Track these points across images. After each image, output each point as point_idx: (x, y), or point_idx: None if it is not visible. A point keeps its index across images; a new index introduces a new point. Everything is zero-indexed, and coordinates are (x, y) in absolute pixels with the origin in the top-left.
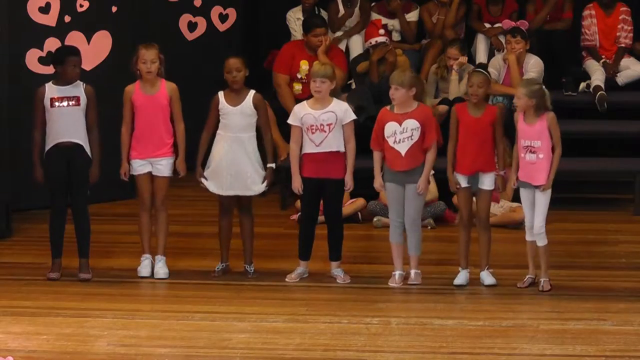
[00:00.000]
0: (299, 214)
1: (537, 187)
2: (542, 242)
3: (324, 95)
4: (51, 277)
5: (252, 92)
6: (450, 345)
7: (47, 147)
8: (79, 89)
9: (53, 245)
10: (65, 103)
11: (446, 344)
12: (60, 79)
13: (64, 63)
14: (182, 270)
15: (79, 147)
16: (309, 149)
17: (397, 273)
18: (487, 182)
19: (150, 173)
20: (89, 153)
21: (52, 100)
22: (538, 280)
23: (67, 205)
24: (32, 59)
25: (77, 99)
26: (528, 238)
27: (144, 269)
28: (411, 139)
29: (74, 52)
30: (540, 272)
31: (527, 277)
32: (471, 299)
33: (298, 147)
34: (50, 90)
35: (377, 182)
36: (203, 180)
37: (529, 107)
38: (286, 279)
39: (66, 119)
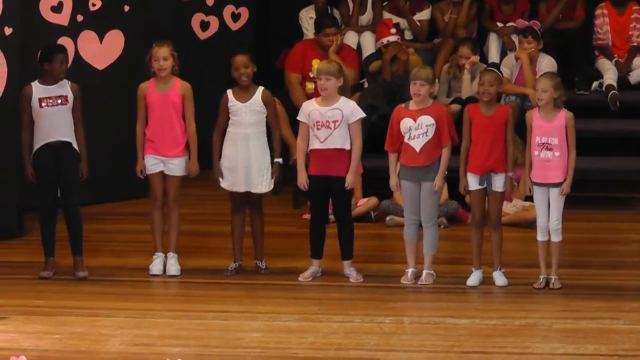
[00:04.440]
0: None
1: (551, 185)
2: (557, 238)
3: (330, 92)
4: (43, 275)
5: (261, 88)
6: (463, 344)
7: (36, 147)
8: (65, 87)
9: (45, 244)
10: (53, 103)
11: (459, 343)
12: (46, 77)
13: (52, 60)
14: (194, 269)
15: (67, 145)
16: (314, 145)
17: (410, 270)
18: (499, 183)
19: (162, 172)
20: (77, 150)
21: (40, 100)
22: (549, 279)
23: (56, 204)
24: None
25: (65, 97)
26: (540, 238)
27: (155, 267)
28: (426, 135)
29: (62, 49)
30: (550, 271)
31: (542, 277)
32: (483, 298)
33: (305, 143)
34: (37, 90)
35: (393, 181)
36: (220, 179)
37: (551, 100)
38: (299, 278)
39: (54, 119)
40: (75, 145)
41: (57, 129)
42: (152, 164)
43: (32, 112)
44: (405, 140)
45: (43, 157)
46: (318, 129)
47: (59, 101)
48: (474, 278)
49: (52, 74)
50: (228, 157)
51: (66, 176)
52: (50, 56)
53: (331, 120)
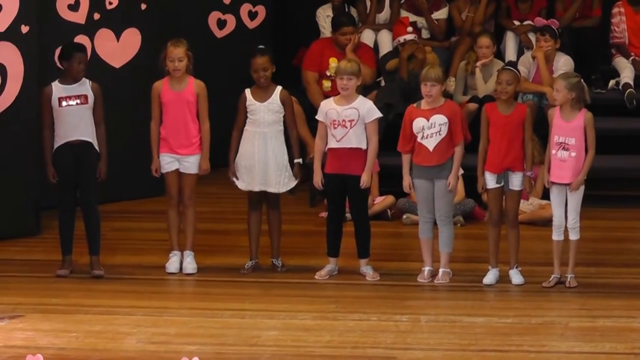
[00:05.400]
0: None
1: (568, 185)
2: (575, 236)
3: (351, 91)
4: (60, 274)
5: (279, 87)
6: (480, 343)
7: (56, 146)
8: (85, 87)
9: (63, 242)
10: (73, 102)
11: (475, 341)
12: (65, 76)
13: (70, 59)
14: (211, 267)
15: (88, 144)
16: (331, 144)
17: (427, 269)
18: (516, 182)
19: (178, 170)
20: (97, 150)
21: (59, 99)
22: (564, 277)
23: (75, 203)
24: None
25: (85, 97)
26: (555, 237)
27: (172, 265)
28: (439, 134)
29: (81, 48)
30: (566, 270)
31: (553, 276)
32: (500, 297)
33: (323, 143)
34: (57, 89)
35: (406, 182)
36: (234, 179)
37: (567, 100)
38: (315, 276)
39: (75, 118)
40: (95, 145)
41: (76, 128)
42: (167, 162)
43: (52, 112)
44: (418, 140)
45: (63, 156)
46: (335, 127)
47: (79, 100)
48: (491, 276)
49: (71, 72)
50: (245, 156)
51: (85, 175)
52: (69, 54)
53: (347, 120)
